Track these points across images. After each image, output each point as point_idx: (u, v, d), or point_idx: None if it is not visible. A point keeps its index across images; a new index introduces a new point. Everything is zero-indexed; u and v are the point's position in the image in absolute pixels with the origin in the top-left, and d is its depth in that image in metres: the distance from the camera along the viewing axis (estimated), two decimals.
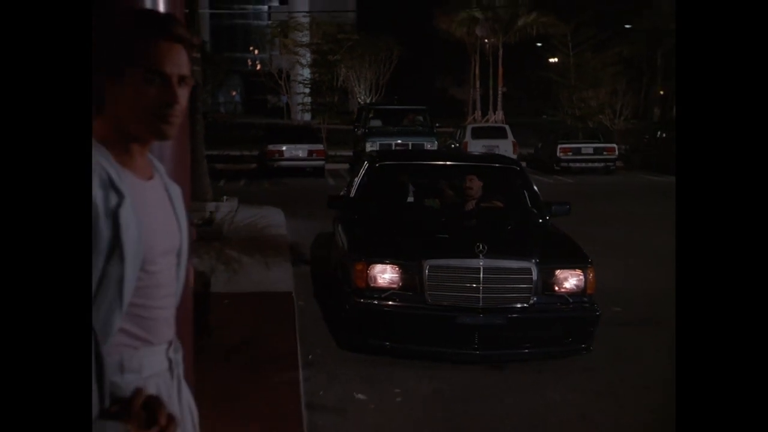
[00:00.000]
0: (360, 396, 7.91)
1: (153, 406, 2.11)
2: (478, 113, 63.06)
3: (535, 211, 10.92)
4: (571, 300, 8.88)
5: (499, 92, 63.97)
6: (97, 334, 2.72)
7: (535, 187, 11.45)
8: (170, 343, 2.97)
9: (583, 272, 8.88)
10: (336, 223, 11.82)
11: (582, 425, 7.37)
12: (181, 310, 3.23)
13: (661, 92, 68.90)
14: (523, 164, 16.43)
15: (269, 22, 77.13)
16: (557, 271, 8.91)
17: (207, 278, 10.69)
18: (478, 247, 8.60)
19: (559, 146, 36.88)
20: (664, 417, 6.91)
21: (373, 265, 8.90)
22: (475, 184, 11.00)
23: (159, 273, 2.87)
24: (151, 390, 2.84)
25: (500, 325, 8.68)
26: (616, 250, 14.75)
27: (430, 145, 34.40)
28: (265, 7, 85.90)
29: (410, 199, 12.09)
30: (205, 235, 14.23)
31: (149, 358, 2.85)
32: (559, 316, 9.00)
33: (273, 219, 18.66)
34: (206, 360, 6.76)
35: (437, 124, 39.65)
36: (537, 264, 8.71)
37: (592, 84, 52.38)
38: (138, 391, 2.18)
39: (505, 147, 35.32)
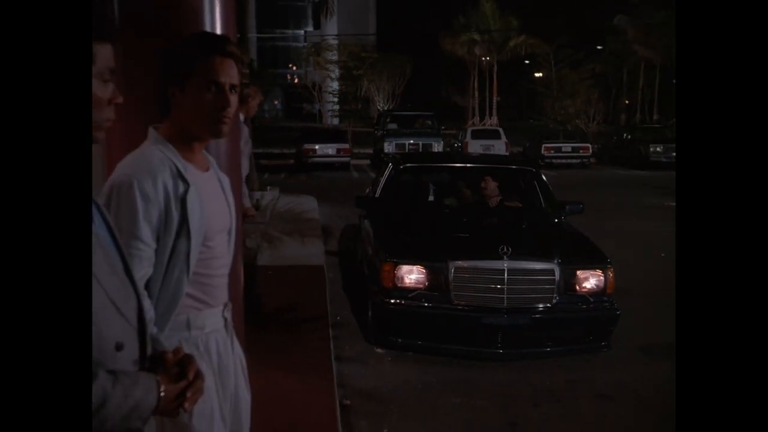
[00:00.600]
0: (379, 350, 7.95)
1: (184, 362, 2.10)
2: (477, 118, 62.89)
3: (551, 210, 9.78)
4: (591, 300, 7.79)
5: (494, 101, 63.90)
6: (165, 302, 2.79)
7: (550, 188, 10.26)
8: (225, 305, 3.04)
9: (603, 272, 7.81)
10: (362, 219, 10.82)
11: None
12: (233, 278, 3.25)
13: (626, 102, 68.81)
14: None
15: (305, 43, 76.99)
16: (579, 272, 7.80)
17: (254, 253, 10.71)
18: (503, 249, 7.59)
19: (544, 145, 36.82)
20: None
21: (400, 266, 7.83)
22: (490, 185, 9.88)
23: (215, 247, 2.96)
24: (211, 343, 2.91)
25: (524, 324, 7.68)
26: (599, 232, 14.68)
27: (437, 145, 34.54)
28: (302, 32, 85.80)
29: (430, 198, 10.92)
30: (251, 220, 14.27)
31: (210, 318, 2.95)
32: (581, 316, 7.87)
33: (308, 205, 18.66)
34: (254, 320, 6.79)
35: (443, 127, 39.64)
36: (559, 265, 7.68)
37: (570, 94, 53.33)
38: (177, 349, 2.19)
39: (499, 146, 35.43)
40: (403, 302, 7.75)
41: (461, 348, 7.81)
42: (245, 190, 8.51)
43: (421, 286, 7.77)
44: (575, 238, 8.88)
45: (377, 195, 10.57)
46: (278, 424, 5.57)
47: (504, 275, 7.52)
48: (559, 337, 7.98)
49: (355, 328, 8.91)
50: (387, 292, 7.83)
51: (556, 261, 7.70)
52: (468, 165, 11.53)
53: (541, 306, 7.66)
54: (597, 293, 7.78)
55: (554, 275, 7.62)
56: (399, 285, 7.79)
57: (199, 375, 2.13)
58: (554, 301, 7.62)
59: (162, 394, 1.98)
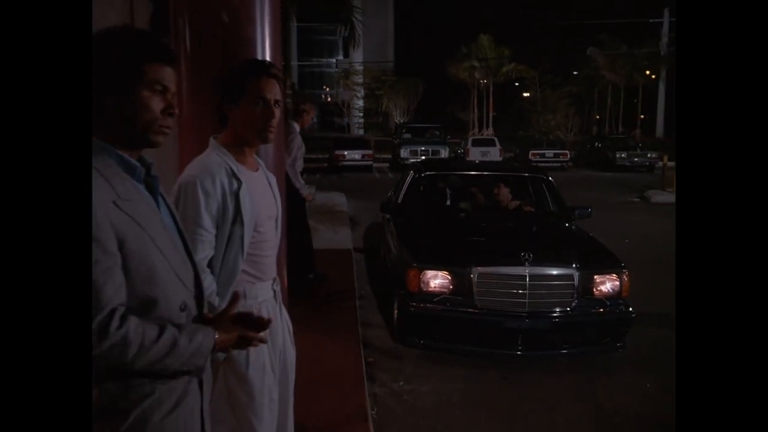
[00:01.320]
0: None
1: (239, 319, 2.22)
2: (476, 129, 62.47)
3: (562, 215, 8.58)
4: (608, 303, 6.75)
5: (490, 115, 63.59)
6: (225, 276, 2.85)
7: (561, 194, 8.97)
8: (274, 279, 3.09)
9: (618, 276, 6.82)
10: (387, 222, 9.51)
11: None
12: (279, 257, 3.28)
13: (597, 116, 68.54)
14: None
15: (336, 69, 77.12)
16: (596, 276, 6.80)
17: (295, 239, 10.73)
18: (524, 255, 6.61)
19: (531, 152, 36.68)
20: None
21: (426, 272, 6.79)
22: (503, 191, 8.88)
23: (265, 233, 3.02)
24: (263, 311, 2.96)
25: (544, 328, 6.66)
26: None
27: (444, 151, 34.64)
28: (334, 60, 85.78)
29: (448, 203, 9.73)
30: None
31: (261, 290, 2.99)
32: (598, 319, 6.79)
33: (338, 200, 18.68)
34: (296, 292, 6.83)
35: (448, 137, 39.59)
36: (578, 270, 6.68)
37: (551, 110, 53.92)
38: (231, 305, 2.28)
39: (494, 152, 35.29)
40: (428, 306, 6.71)
41: (482, 349, 6.81)
42: (302, 181, 8.78)
43: (445, 290, 6.75)
44: (589, 242, 7.81)
45: (400, 200, 9.36)
46: (316, 376, 5.63)
47: (526, 281, 6.55)
48: (577, 339, 6.92)
49: (376, 302, 8.88)
50: (412, 295, 6.80)
51: (574, 266, 6.72)
52: (484, 173, 10.10)
53: (560, 310, 6.65)
54: (613, 296, 6.80)
55: (573, 280, 6.65)
56: (424, 289, 6.78)
57: (252, 327, 2.23)
58: (573, 304, 6.64)
59: (216, 337, 2.09)
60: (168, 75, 2.06)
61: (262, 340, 2.27)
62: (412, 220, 8.47)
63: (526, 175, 9.83)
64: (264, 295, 3.03)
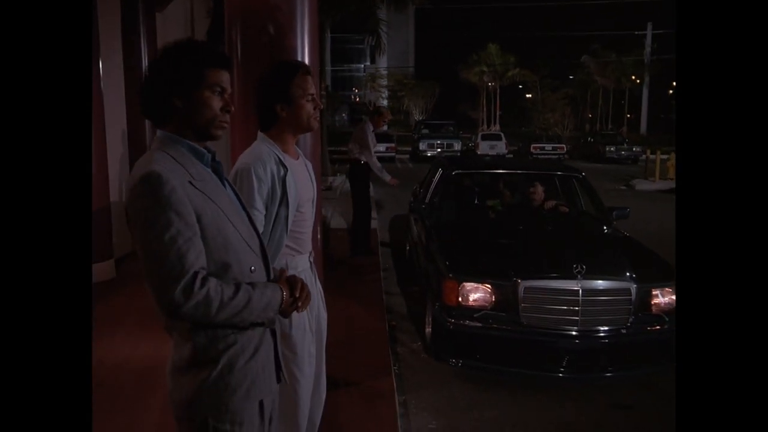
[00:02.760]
0: (416, 288, 7.91)
1: (292, 282, 2.24)
2: (485, 126, 62.19)
3: (601, 217, 6.95)
4: (666, 318, 5.18)
5: (497, 113, 63.27)
6: (272, 250, 2.87)
7: (597, 194, 7.32)
8: (310, 253, 3.10)
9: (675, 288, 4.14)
10: (415, 220, 8.01)
11: None
12: (315, 234, 3.31)
13: (589, 115, 67.94)
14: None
15: (364, 73, 77.00)
16: (654, 290, 5.24)
17: (328, 219, 10.76)
18: (576, 267, 5.05)
19: (532, 145, 36.46)
20: None
21: (465, 284, 5.20)
22: (538, 190, 7.16)
23: (305, 212, 3.05)
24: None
25: (598, 348, 5.11)
26: None
27: (457, 144, 34.60)
28: (362, 65, 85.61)
29: (476, 201, 7.89)
30: (326, 196, 14.30)
31: (301, 262, 3.03)
32: (656, 338, 5.16)
33: None
34: (329, 264, 6.86)
35: (461, 132, 39.51)
36: (635, 282, 5.14)
37: (550, 110, 54.28)
38: (291, 276, 2.29)
39: (501, 146, 35.20)
40: (467, 323, 5.17)
41: (526, 371, 5.23)
42: (385, 172, 9.33)
43: (486, 305, 5.20)
44: (639, 248, 6.13)
45: (428, 199, 7.65)
46: (346, 336, 5.72)
47: (578, 296, 5.03)
48: (630, 359, 5.23)
49: (398, 274, 8.86)
50: (449, 310, 5.26)
51: (631, 278, 5.20)
52: (516, 171, 8.10)
53: (616, 328, 5.09)
54: (671, 311, 5.23)
55: (630, 294, 5.12)
56: (463, 304, 5.23)
57: (303, 288, 2.25)
58: (629, 321, 5.12)
59: (285, 294, 2.16)
60: (225, 78, 2.12)
61: (307, 298, 2.29)
62: (444, 222, 6.91)
63: (561, 173, 7.93)
64: (303, 266, 3.06)
